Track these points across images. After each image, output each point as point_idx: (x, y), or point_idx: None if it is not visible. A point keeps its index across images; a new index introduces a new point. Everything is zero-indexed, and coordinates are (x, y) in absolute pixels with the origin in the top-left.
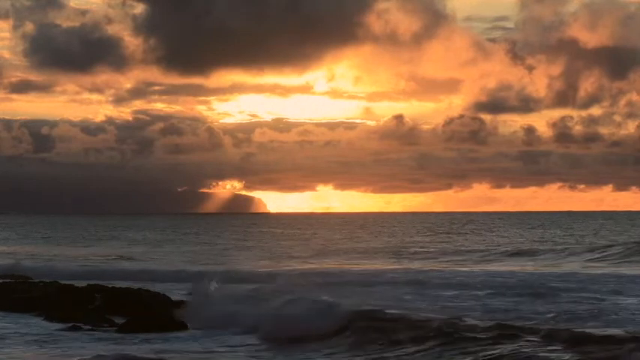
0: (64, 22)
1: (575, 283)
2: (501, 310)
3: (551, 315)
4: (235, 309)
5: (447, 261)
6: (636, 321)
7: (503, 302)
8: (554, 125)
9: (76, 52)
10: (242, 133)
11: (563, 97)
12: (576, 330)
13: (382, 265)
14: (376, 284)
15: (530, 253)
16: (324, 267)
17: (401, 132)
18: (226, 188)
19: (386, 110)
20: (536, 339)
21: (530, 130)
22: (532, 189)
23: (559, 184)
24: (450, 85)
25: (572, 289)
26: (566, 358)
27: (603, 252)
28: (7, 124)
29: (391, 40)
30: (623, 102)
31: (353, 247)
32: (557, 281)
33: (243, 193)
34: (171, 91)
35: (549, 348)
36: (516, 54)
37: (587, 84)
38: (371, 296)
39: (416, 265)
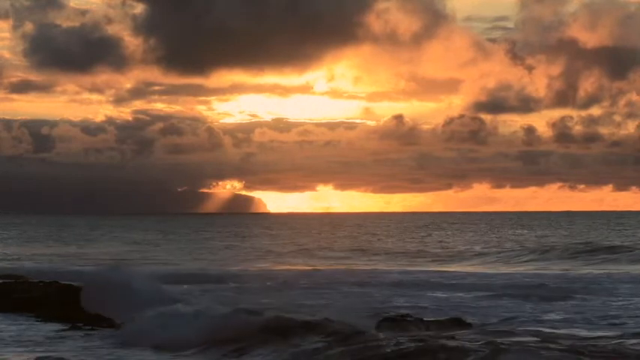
0: (64, 22)
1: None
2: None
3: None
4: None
5: (418, 262)
6: (540, 322)
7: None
8: (554, 125)
9: (76, 52)
10: (242, 133)
11: (563, 97)
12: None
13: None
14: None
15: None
16: (286, 268)
17: (401, 132)
18: (226, 188)
19: (386, 110)
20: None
21: (530, 130)
22: (532, 189)
23: (559, 184)
24: (450, 85)
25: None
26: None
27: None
28: (7, 124)
29: (391, 40)
30: (623, 102)
31: (329, 246)
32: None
33: (243, 193)
34: (171, 91)
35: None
36: (516, 54)
37: (587, 84)
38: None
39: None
